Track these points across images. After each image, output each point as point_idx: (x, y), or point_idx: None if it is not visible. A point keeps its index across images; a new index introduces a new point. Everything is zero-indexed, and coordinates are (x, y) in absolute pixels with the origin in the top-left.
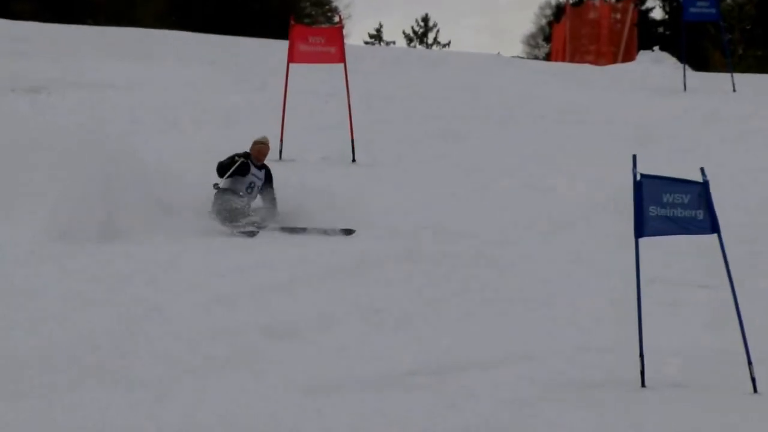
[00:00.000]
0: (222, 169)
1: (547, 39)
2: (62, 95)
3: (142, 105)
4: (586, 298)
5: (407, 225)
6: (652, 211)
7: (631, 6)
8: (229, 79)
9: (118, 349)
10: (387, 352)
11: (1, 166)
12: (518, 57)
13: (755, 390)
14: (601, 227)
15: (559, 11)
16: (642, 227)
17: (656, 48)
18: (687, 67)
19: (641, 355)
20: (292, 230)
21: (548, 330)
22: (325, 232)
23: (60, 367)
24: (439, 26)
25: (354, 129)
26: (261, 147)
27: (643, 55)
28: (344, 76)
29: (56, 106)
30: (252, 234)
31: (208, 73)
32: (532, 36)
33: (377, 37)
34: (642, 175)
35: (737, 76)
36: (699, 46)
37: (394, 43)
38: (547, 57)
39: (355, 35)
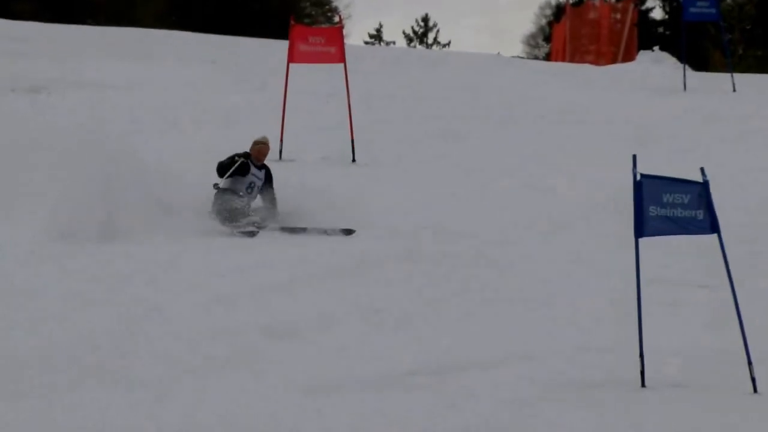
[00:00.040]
0: (222, 169)
1: (547, 39)
2: (62, 95)
3: (142, 105)
4: (586, 298)
5: (407, 225)
6: (652, 211)
7: (631, 6)
8: (229, 79)
9: (118, 349)
10: (387, 352)
11: (1, 166)
12: (518, 57)
13: (755, 390)
14: (601, 227)
15: (559, 11)
16: (642, 227)
17: (656, 48)
18: (687, 67)
19: (641, 355)
20: (293, 230)
21: (548, 330)
22: (326, 232)
23: (60, 367)
24: (439, 26)
25: (354, 129)
26: (261, 147)
27: (643, 55)
28: (344, 76)
29: (56, 106)
30: (252, 234)
31: (208, 73)
32: (532, 36)
33: (377, 37)
34: (642, 175)
35: (737, 76)
36: (699, 46)
37: (394, 43)
38: (547, 57)
39: (355, 35)
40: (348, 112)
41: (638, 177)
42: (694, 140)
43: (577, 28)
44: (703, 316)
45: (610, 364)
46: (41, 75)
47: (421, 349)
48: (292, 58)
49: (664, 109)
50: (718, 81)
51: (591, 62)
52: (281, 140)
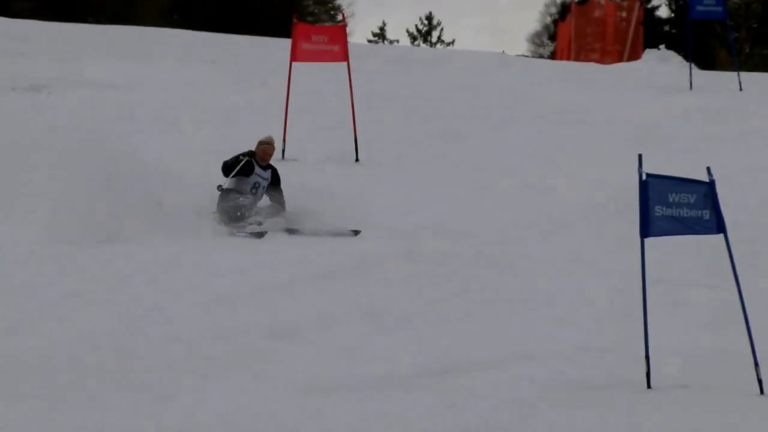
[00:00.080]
0: (227, 168)
1: (552, 37)
2: (62, 94)
3: (142, 105)
4: (586, 298)
5: (407, 225)
6: (658, 210)
7: (637, 4)
8: (230, 79)
9: (118, 350)
10: (387, 352)
11: (1, 166)
12: (523, 56)
13: (762, 392)
14: (601, 227)
15: (564, 9)
16: (648, 227)
17: (662, 46)
18: (693, 65)
19: (647, 357)
20: (299, 232)
21: (548, 330)
22: (332, 233)
23: (60, 367)
24: (443, 25)
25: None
26: (266, 147)
27: (649, 54)
28: (347, 74)
29: (56, 105)
30: (260, 235)
31: (209, 73)
32: (537, 34)
33: (381, 35)
34: (648, 175)
35: (744, 74)
36: (705, 44)
37: (397, 41)
38: (552, 56)
39: (358, 33)
40: (351, 111)
41: (644, 176)
42: (700, 139)
43: (583, 27)
44: (703, 316)
45: (610, 364)
46: (41, 74)
47: (421, 349)
48: (294, 56)
49: (670, 108)
50: (724, 80)
51: (596, 61)
52: (284, 140)
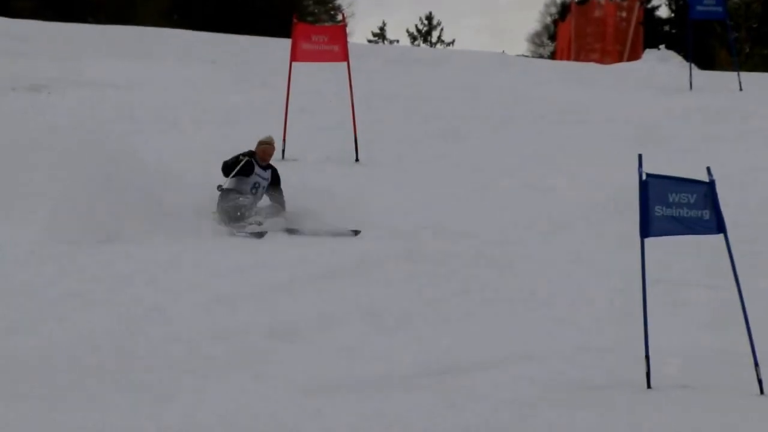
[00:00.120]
0: (227, 168)
1: (552, 37)
2: (62, 94)
3: (142, 105)
4: (586, 298)
5: (407, 225)
6: (658, 210)
7: (637, 4)
8: (230, 79)
9: (118, 350)
10: (387, 352)
11: (1, 166)
12: (523, 56)
13: (762, 392)
14: (601, 227)
15: (564, 9)
16: (648, 227)
17: (662, 46)
18: (693, 65)
19: (647, 357)
20: (299, 232)
21: (548, 330)
22: (332, 233)
23: (60, 367)
24: (443, 25)
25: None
26: (266, 147)
27: (649, 54)
28: (347, 74)
29: (56, 105)
30: (260, 235)
31: (209, 73)
32: (537, 34)
33: (381, 35)
34: (648, 175)
35: (744, 74)
36: (705, 44)
37: (397, 41)
38: (552, 56)
39: (358, 33)
40: (351, 111)
41: (644, 176)
42: (700, 139)
43: (583, 27)
44: (703, 316)
45: (610, 364)
46: (41, 74)
47: (421, 349)
48: (294, 56)
49: (670, 108)
50: (724, 80)
51: (596, 61)
52: (284, 140)
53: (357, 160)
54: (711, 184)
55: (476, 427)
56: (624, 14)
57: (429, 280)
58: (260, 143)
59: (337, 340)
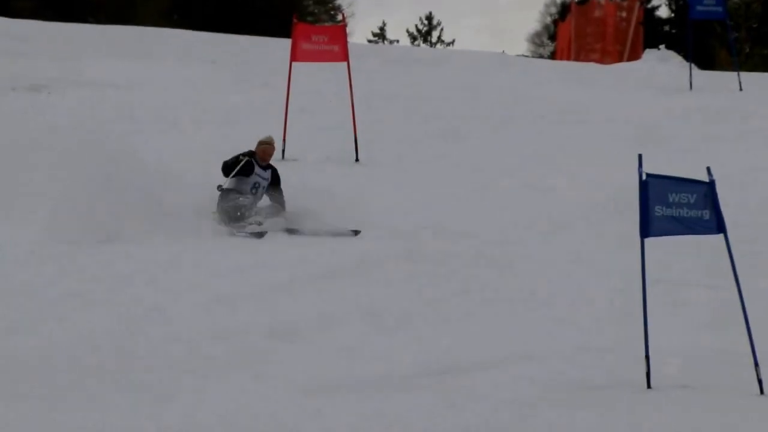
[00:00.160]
0: (227, 168)
1: (552, 37)
2: (62, 94)
3: (142, 105)
4: (586, 298)
5: (407, 225)
6: (658, 210)
7: (637, 4)
8: (230, 79)
9: (118, 350)
10: (387, 352)
11: (1, 166)
12: (523, 56)
13: (762, 392)
14: (601, 227)
15: (564, 9)
16: (648, 227)
17: (662, 46)
18: (693, 65)
19: (647, 357)
20: (299, 232)
21: (548, 330)
22: (332, 233)
23: (60, 367)
24: (443, 25)
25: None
26: (266, 147)
27: (649, 54)
28: (347, 74)
29: (56, 105)
30: (260, 235)
31: (209, 73)
32: (537, 34)
33: (381, 35)
34: (648, 175)
35: (744, 74)
36: (705, 44)
37: (397, 41)
38: (552, 56)
39: (358, 33)
40: (351, 111)
41: (644, 176)
42: (699, 139)
43: (583, 27)
44: (703, 316)
45: (610, 364)
46: (41, 74)
47: (421, 349)
48: (294, 56)
49: (670, 108)
50: (724, 80)
51: (596, 61)
52: (284, 140)
53: (357, 160)
54: (711, 184)
55: (476, 427)
56: (624, 14)
57: (429, 280)
58: (260, 143)
59: (337, 340)
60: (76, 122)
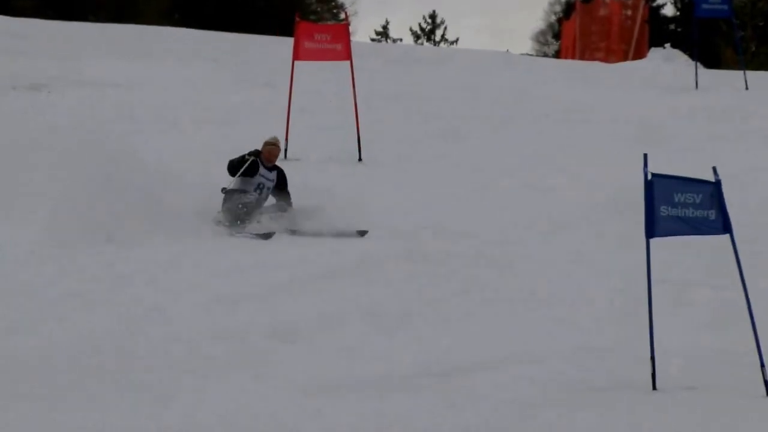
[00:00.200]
0: (232, 168)
1: (557, 36)
2: (62, 93)
3: (142, 104)
4: (586, 298)
5: (407, 225)
6: (664, 210)
7: (642, 3)
8: (231, 78)
9: (118, 350)
10: (387, 352)
11: (1, 166)
12: (527, 54)
13: None
14: (602, 227)
15: (568, 8)
16: (653, 227)
17: (668, 45)
18: (699, 64)
19: (652, 357)
20: (301, 233)
21: (548, 330)
22: (336, 234)
23: (60, 367)
24: (446, 23)
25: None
26: (272, 149)
27: (655, 53)
28: (350, 73)
29: (56, 104)
30: (268, 236)
31: (210, 72)
32: (542, 33)
33: (384, 34)
34: (653, 175)
35: (750, 73)
36: (711, 43)
37: (400, 40)
38: (557, 54)
39: (361, 32)
40: (354, 110)
41: (649, 176)
42: (702, 139)
43: (587, 25)
44: (706, 317)
45: (610, 364)
46: (42, 73)
47: (422, 349)
48: (297, 55)
49: (675, 107)
50: (730, 78)
51: (601, 59)
52: (286, 139)
53: (360, 159)
54: (717, 184)
55: (476, 427)
56: (629, 12)
57: (429, 280)
58: (266, 144)
59: (337, 340)
60: (76, 122)
